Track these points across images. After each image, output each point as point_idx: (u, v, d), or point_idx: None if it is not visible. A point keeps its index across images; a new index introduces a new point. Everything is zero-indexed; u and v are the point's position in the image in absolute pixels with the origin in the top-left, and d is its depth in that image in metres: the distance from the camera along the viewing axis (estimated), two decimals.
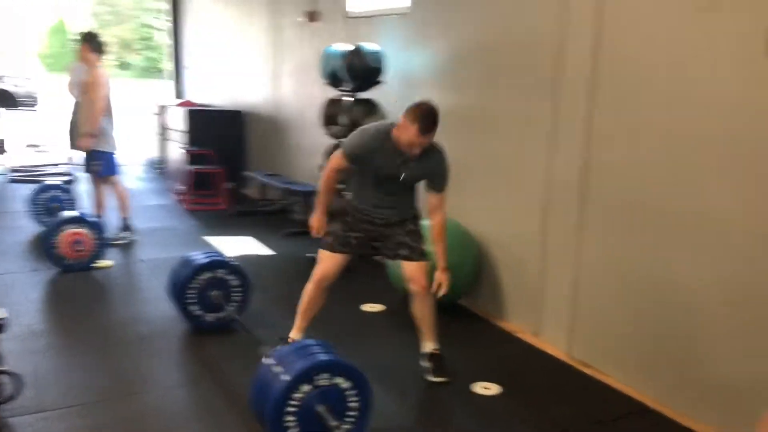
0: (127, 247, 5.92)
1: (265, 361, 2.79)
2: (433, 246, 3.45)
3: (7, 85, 20.79)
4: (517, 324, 4.34)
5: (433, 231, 3.44)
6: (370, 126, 3.43)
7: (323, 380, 2.67)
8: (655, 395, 3.37)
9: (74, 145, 5.93)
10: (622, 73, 3.49)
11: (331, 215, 3.56)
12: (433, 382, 3.51)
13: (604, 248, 3.67)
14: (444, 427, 3.19)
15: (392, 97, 5.40)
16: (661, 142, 3.29)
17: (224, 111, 9.17)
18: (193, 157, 8.21)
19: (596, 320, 3.76)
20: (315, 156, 6.08)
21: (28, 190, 6.82)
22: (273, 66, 7.96)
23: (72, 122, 5.93)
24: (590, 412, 3.32)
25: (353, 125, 5.37)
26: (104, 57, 5.76)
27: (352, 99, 5.48)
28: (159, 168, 10.32)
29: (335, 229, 3.52)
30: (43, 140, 11.85)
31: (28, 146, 11.57)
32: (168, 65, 12.92)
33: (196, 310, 4.01)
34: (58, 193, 6.46)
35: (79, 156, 5.94)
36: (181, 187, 8.18)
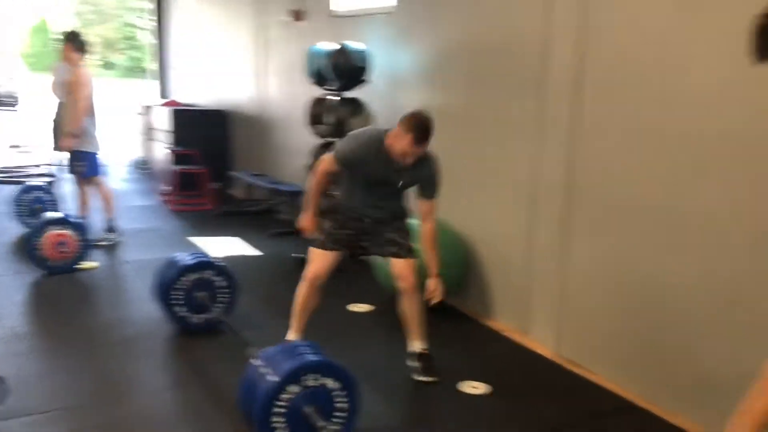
0: (111, 249, 5.87)
1: (253, 362, 2.78)
2: (425, 253, 3.44)
3: None
4: (505, 323, 4.35)
5: (424, 238, 3.43)
6: (363, 132, 3.43)
7: (311, 381, 2.66)
8: (642, 393, 3.39)
9: (57, 146, 5.88)
10: (607, 72, 3.50)
11: (321, 213, 3.56)
12: (421, 382, 3.50)
13: (591, 247, 3.68)
14: (431, 426, 3.19)
15: (378, 95, 5.40)
16: (647, 142, 3.31)
17: (209, 111, 9.13)
18: (178, 157, 8.17)
19: (584, 319, 3.77)
20: (301, 156, 6.06)
21: (10, 191, 6.76)
22: (258, 65, 7.93)
23: (55, 122, 5.88)
24: (578, 410, 3.33)
25: (339, 124, 5.37)
26: (87, 56, 5.71)
27: (338, 98, 5.47)
28: (144, 168, 10.26)
29: (326, 228, 3.52)
30: (25, 140, 11.74)
31: (10, 147, 11.47)
32: (152, 65, 12.84)
33: (182, 311, 3.98)
34: (41, 194, 6.40)
35: (63, 156, 5.88)
36: (167, 188, 8.14)
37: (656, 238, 3.30)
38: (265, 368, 2.69)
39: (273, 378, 2.62)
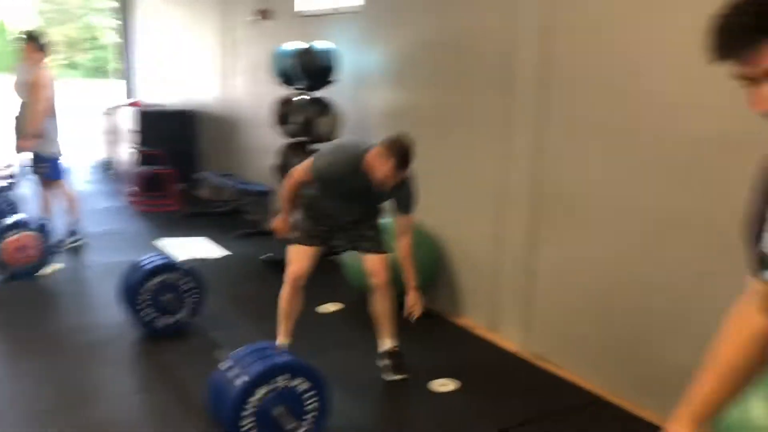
0: (75, 252, 5.76)
1: (222, 363, 2.75)
2: (402, 267, 3.42)
3: None
4: (474, 321, 4.37)
5: (401, 252, 3.41)
6: (342, 148, 3.40)
7: (281, 381, 2.65)
8: (610, 387, 3.43)
9: (18, 146, 5.75)
10: (573, 72, 3.53)
11: (295, 213, 3.54)
12: (391, 380, 3.51)
13: (558, 245, 3.72)
14: (401, 425, 3.20)
15: (346, 95, 5.39)
16: (614, 142, 3.35)
17: (175, 111, 9.02)
18: (144, 158, 8.06)
19: (551, 315, 3.81)
20: (268, 155, 6.02)
21: None
22: (225, 65, 7.86)
23: (17, 122, 5.75)
24: (547, 405, 3.37)
25: (307, 124, 5.35)
26: (50, 56, 5.60)
27: (306, 98, 5.44)
28: (109, 169, 10.11)
29: (301, 224, 3.50)
30: None
31: None
32: (118, 65, 12.66)
33: (149, 314, 3.92)
34: (2, 195, 6.26)
35: (25, 157, 5.76)
36: (132, 189, 8.03)
37: (622, 237, 3.34)
38: (235, 369, 2.68)
39: (243, 379, 2.60)
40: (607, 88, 3.36)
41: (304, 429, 2.70)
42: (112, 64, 17.33)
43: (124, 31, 11.64)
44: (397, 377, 3.51)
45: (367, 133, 5.15)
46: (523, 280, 3.93)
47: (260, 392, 2.60)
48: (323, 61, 5.33)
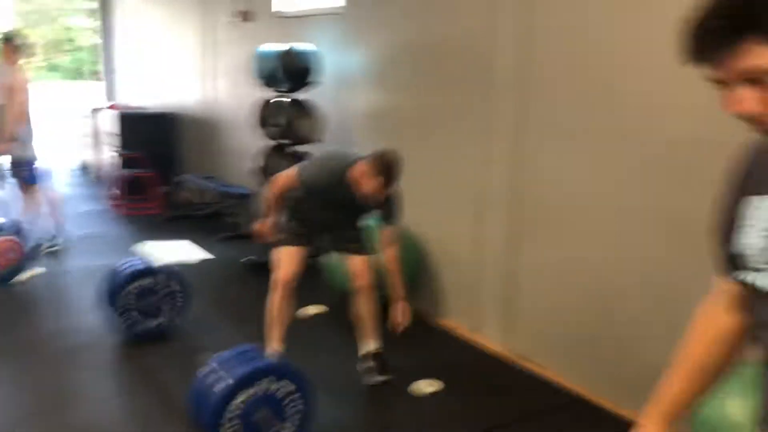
0: (56, 256, 5.71)
1: (205, 367, 2.75)
2: (389, 277, 3.41)
3: None
4: (456, 321, 4.38)
5: (388, 263, 3.41)
6: (329, 159, 3.40)
7: (264, 384, 2.65)
8: (591, 387, 3.45)
9: None
10: (552, 74, 3.55)
11: (279, 215, 3.54)
12: (374, 382, 3.51)
13: (539, 246, 3.75)
14: (385, 426, 3.21)
15: (327, 96, 5.39)
16: (593, 142, 3.38)
17: (156, 113, 8.95)
18: (126, 161, 8.00)
19: (533, 315, 3.83)
20: (250, 158, 6.01)
21: None
22: (206, 67, 7.83)
23: None
24: (529, 405, 3.39)
25: (288, 126, 5.34)
26: (28, 58, 5.54)
27: (287, 100, 5.44)
28: (90, 173, 10.02)
29: (285, 226, 3.50)
30: None
31: None
32: (98, 67, 12.56)
33: (131, 318, 3.89)
34: None
35: (4, 160, 5.69)
36: (113, 192, 7.97)
37: (602, 237, 3.37)
38: (218, 372, 2.67)
39: (226, 382, 2.60)
40: (585, 91, 3.39)
41: (287, 431, 2.70)
42: (92, 66, 17.18)
43: (104, 32, 11.55)
44: (381, 379, 3.51)
45: (348, 134, 5.15)
46: (505, 281, 3.95)
47: (243, 395, 2.60)
48: (304, 63, 5.33)
